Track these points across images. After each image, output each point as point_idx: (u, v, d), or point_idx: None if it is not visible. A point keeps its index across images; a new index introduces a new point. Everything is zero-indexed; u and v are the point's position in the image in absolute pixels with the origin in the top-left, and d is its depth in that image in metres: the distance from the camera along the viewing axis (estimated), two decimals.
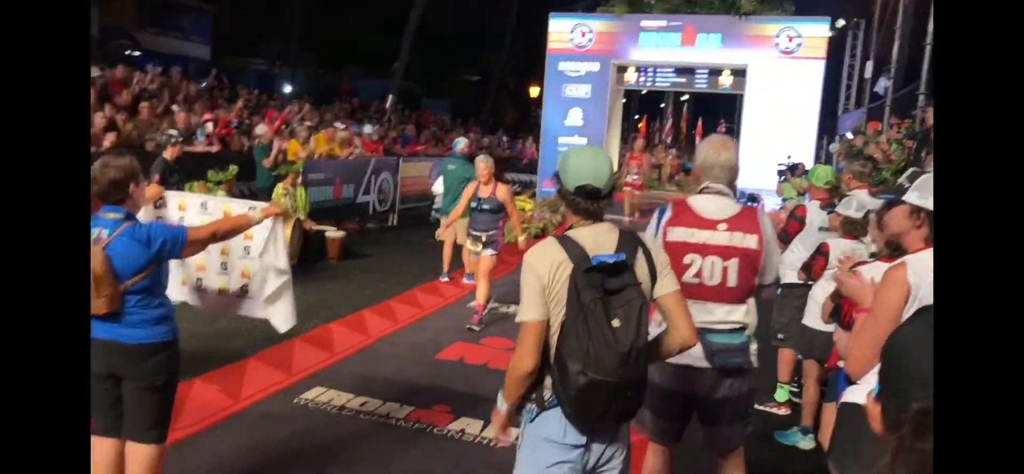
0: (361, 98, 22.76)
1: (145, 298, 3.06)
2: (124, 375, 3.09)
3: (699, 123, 28.04)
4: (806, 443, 4.73)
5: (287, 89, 24.29)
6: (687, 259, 3.02)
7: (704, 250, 3.01)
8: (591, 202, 2.40)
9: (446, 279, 8.95)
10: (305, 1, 27.61)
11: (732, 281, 3.02)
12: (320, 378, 5.40)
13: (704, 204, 3.08)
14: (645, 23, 15.54)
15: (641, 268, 2.36)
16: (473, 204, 7.34)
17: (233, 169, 8.82)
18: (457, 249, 8.88)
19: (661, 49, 15.45)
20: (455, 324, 7.13)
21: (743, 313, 3.07)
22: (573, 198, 2.41)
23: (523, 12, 29.87)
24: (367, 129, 15.31)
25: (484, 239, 7.26)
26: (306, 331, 6.28)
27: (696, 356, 2.97)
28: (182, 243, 3.15)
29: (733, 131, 27.95)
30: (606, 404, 2.25)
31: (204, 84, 15.45)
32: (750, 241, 3.02)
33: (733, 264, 3.01)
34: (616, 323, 2.19)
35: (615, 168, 2.49)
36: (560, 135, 15.66)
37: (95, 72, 12.46)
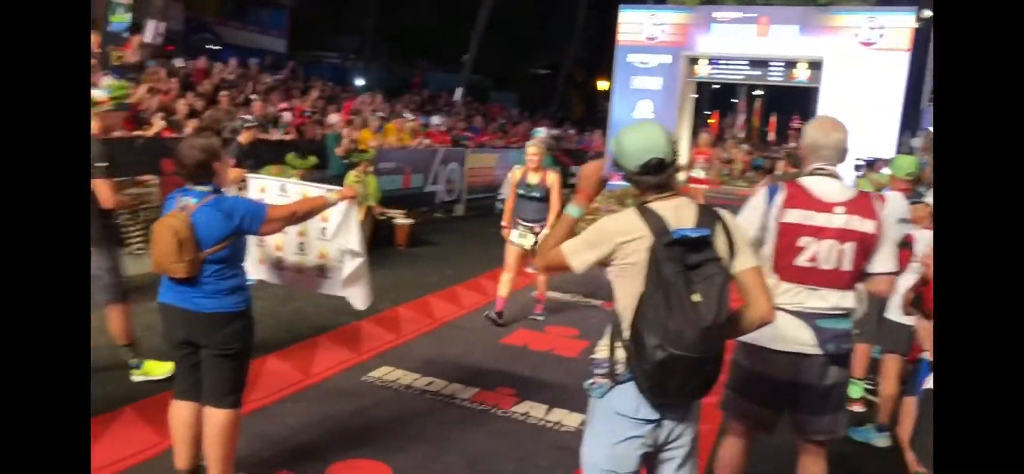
0: (431, 90, 23.03)
1: (222, 268, 3.20)
2: (200, 342, 3.23)
3: (773, 119, 27.35)
4: (881, 441, 4.57)
5: (360, 82, 24.76)
6: (801, 242, 2.94)
7: (820, 233, 2.93)
8: (658, 175, 2.37)
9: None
10: None
11: (846, 266, 2.94)
12: (387, 358, 5.50)
13: (819, 186, 2.99)
14: (718, 14, 15.23)
15: (721, 243, 2.33)
16: (520, 191, 6.71)
17: (312, 159, 9.02)
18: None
19: (734, 40, 15.11)
20: (519, 311, 7.15)
21: (854, 299, 3.01)
22: (639, 177, 2.38)
23: (593, 4, 29.70)
24: (435, 120, 15.49)
25: (537, 230, 6.62)
26: (374, 313, 6.40)
27: (806, 343, 2.92)
28: (261, 219, 3.27)
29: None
30: (683, 379, 2.21)
31: (280, 75, 15.90)
32: (868, 226, 2.94)
33: (849, 248, 2.93)
34: (697, 298, 2.15)
35: (673, 137, 2.45)
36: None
37: (179, 63, 13.00)
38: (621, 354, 2.35)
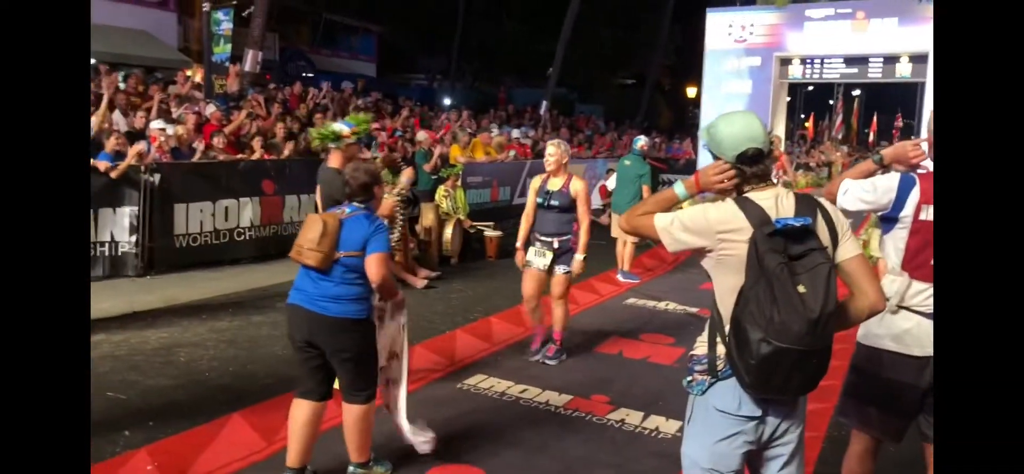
0: (516, 106, 23.21)
1: (351, 274, 3.41)
2: (320, 345, 3.44)
3: (874, 119, 26.16)
4: None
5: (446, 101, 25.23)
6: None
7: None
8: (757, 165, 2.28)
9: (624, 278, 8.90)
10: (464, 19, 28.64)
11: None
12: (481, 366, 5.53)
13: None
14: (810, 12, 14.75)
15: (822, 232, 2.23)
16: (539, 200, 5.58)
17: (406, 172, 9.08)
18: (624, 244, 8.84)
19: (829, 38, 14.56)
20: (612, 320, 7.07)
21: None
22: (737, 167, 2.30)
23: (678, 12, 29.28)
24: (515, 133, 15.54)
25: (556, 246, 5.53)
26: (467, 322, 6.47)
27: None
28: (378, 250, 3.39)
29: (912, 127, 25.75)
30: (788, 374, 2.11)
31: (370, 98, 16.39)
32: None
33: None
34: (802, 289, 2.05)
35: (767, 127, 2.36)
36: None
37: (273, 87, 13.59)
38: (721, 349, 2.27)
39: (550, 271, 5.56)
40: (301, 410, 3.54)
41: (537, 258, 5.55)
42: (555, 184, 5.54)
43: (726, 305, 2.23)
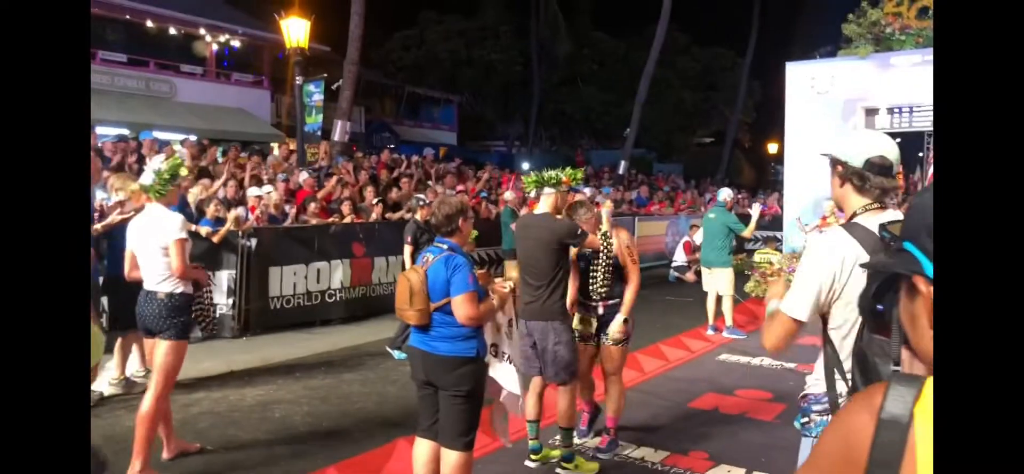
0: (594, 167, 23.29)
1: (452, 318, 3.45)
2: (437, 383, 3.53)
3: None
4: None
5: (525, 165, 25.58)
6: None
7: None
8: (884, 178, 2.18)
9: (713, 332, 8.71)
10: (541, 86, 29.21)
11: None
12: None
13: None
14: (895, 60, 14.30)
15: None
16: (581, 263, 4.89)
17: (474, 233, 9.25)
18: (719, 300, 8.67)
19: (917, 86, 14.06)
20: (706, 375, 6.85)
21: None
22: (862, 173, 2.18)
23: (756, 68, 29.03)
24: (586, 190, 15.49)
25: (601, 311, 4.81)
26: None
27: None
28: (461, 291, 3.39)
29: None
30: None
31: (452, 164, 16.79)
32: None
33: None
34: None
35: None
36: (804, 188, 14.74)
37: (360, 156, 14.06)
38: (842, 386, 2.15)
39: (598, 342, 4.87)
40: (422, 448, 3.65)
41: (581, 325, 4.87)
42: (594, 240, 4.75)
43: (845, 339, 2.12)
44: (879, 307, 1.11)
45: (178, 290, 4.36)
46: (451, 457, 3.53)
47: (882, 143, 2.19)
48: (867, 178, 2.18)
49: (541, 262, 4.41)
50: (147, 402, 4.25)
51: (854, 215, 2.21)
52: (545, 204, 4.63)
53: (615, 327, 4.74)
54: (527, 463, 4.59)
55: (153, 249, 4.32)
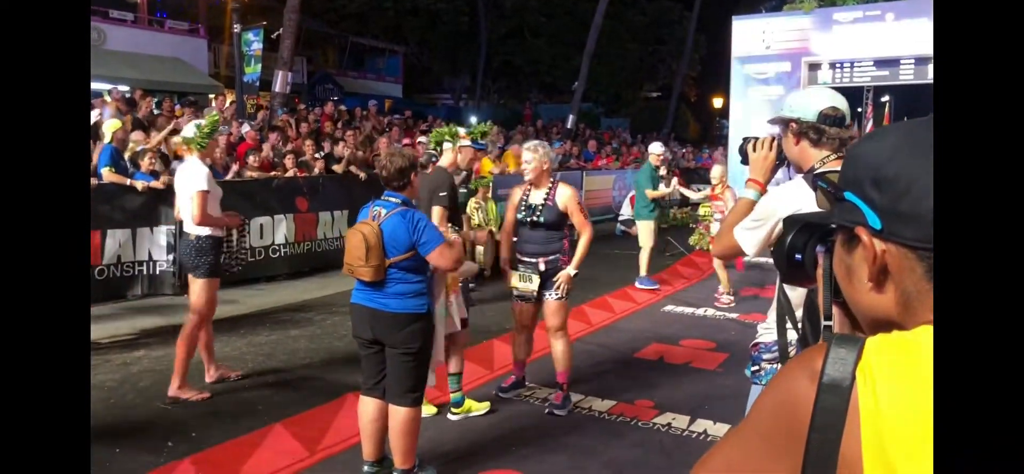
0: (543, 121, 23.23)
1: (407, 274, 3.46)
2: (385, 341, 3.50)
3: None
4: None
5: (473, 119, 25.36)
6: None
7: None
8: (840, 128, 2.20)
9: (640, 286, 8.78)
10: (488, 38, 28.81)
11: None
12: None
13: None
14: (838, 15, 14.57)
15: None
16: (520, 215, 4.74)
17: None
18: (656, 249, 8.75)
19: (858, 41, 14.36)
20: (650, 326, 6.96)
21: None
22: (817, 127, 2.21)
23: (703, 22, 29.20)
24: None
25: (542, 267, 4.64)
26: (504, 332, 6.40)
27: None
28: (435, 245, 3.44)
29: None
30: None
31: (398, 117, 16.52)
32: None
33: None
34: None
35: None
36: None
37: (303, 109, 13.73)
38: (792, 334, 2.18)
39: (539, 298, 4.72)
40: (368, 406, 3.62)
41: (522, 283, 4.67)
42: (537, 196, 4.68)
43: (796, 289, 2.15)
44: (797, 257, 1.09)
45: (205, 233, 4.87)
46: (399, 414, 3.51)
47: (831, 95, 2.22)
48: (823, 131, 2.21)
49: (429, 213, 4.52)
50: (183, 331, 4.89)
51: (812, 169, 2.23)
52: (444, 159, 4.78)
53: (562, 279, 4.62)
54: (449, 416, 4.61)
55: (186, 197, 4.86)
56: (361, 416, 3.65)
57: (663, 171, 9.52)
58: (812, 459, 0.80)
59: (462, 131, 4.93)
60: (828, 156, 2.21)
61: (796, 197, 2.16)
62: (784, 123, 2.28)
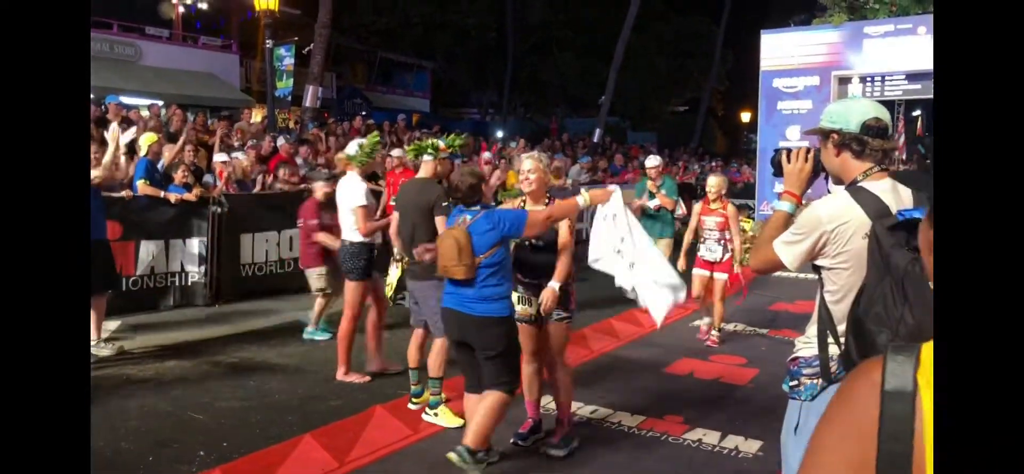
0: (569, 135, 23.24)
1: (494, 275, 3.71)
2: (472, 343, 3.78)
3: None
4: None
5: (499, 133, 25.45)
6: None
7: None
8: (883, 140, 2.17)
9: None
10: (515, 52, 28.94)
11: None
12: (546, 387, 5.41)
13: None
14: (869, 29, 14.40)
15: None
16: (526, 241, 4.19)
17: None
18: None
19: (889, 55, 14.18)
20: (681, 341, 6.91)
21: None
22: (861, 138, 2.16)
23: (730, 37, 29.06)
24: (573, 170, 15.48)
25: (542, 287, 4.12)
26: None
27: None
28: (523, 222, 3.75)
29: None
30: None
31: (425, 131, 16.64)
32: None
33: None
34: (932, 285, 1.90)
35: None
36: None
37: (333, 122, 13.87)
38: (834, 350, 2.15)
39: (538, 321, 4.21)
40: (473, 402, 3.89)
41: (520, 306, 4.17)
42: (536, 215, 3.98)
43: (840, 304, 2.11)
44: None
45: (358, 240, 5.44)
46: (491, 395, 3.74)
47: (874, 106, 2.19)
48: (866, 142, 2.17)
49: (418, 226, 4.71)
50: (342, 327, 5.52)
51: (855, 181, 2.19)
52: (425, 170, 4.98)
53: (547, 297, 4.00)
54: (409, 405, 4.89)
55: (347, 209, 5.44)
56: (467, 411, 3.95)
57: (652, 187, 8.90)
58: (885, 467, 0.79)
59: (441, 143, 5.11)
60: (871, 168, 2.17)
61: (841, 209, 2.12)
62: (825, 134, 2.25)
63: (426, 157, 4.98)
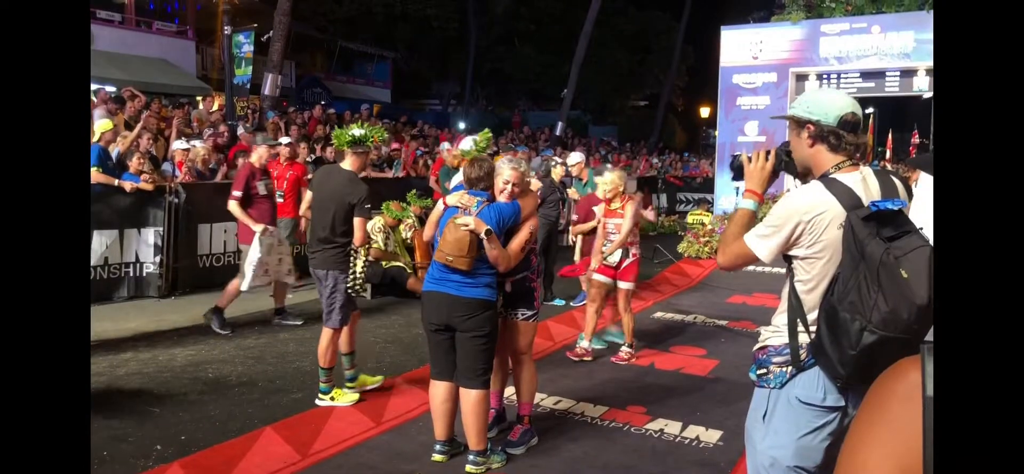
0: (531, 128, 23.27)
1: (483, 262, 3.78)
2: (457, 326, 3.80)
3: (890, 136, 25.97)
4: None
5: (461, 125, 25.37)
6: None
7: None
8: (856, 136, 2.20)
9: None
10: (477, 45, 28.85)
11: None
12: (511, 379, 5.43)
13: None
14: (826, 27, 14.69)
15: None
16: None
17: (429, 201, 9.08)
18: None
19: (845, 53, 14.50)
20: (641, 332, 6.96)
21: None
22: (837, 132, 2.19)
23: (691, 33, 29.39)
24: (536, 161, 15.53)
25: (508, 288, 4.07)
26: None
27: None
28: (518, 217, 3.88)
29: (927, 144, 25.63)
30: (888, 363, 2.02)
31: (387, 122, 16.51)
32: None
33: None
34: (904, 274, 1.94)
35: None
36: (737, 150, 15.08)
37: (292, 111, 13.67)
38: (804, 337, 2.19)
39: (505, 318, 4.12)
40: (440, 390, 3.93)
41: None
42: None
43: (813, 294, 2.16)
44: None
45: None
46: (471, 396, 3.79)
47: (850, 101, 2.23)
48: (842, 136, 2.20)
49: (336, 215, 4.74)
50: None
51: (826, 173, 2.22)
52: (348, 162, 4.93)
53: (474, 222, 3.72)
54: (317, 402, 4.81)
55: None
56: (433, 399, 3.95)
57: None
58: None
59: (359, 132, 5.03)
60: (843, 162, 2.21)
61: (817, 200, 2.16)
62: (800, 123, 2.28)
63: (356, 149, 4.89)
